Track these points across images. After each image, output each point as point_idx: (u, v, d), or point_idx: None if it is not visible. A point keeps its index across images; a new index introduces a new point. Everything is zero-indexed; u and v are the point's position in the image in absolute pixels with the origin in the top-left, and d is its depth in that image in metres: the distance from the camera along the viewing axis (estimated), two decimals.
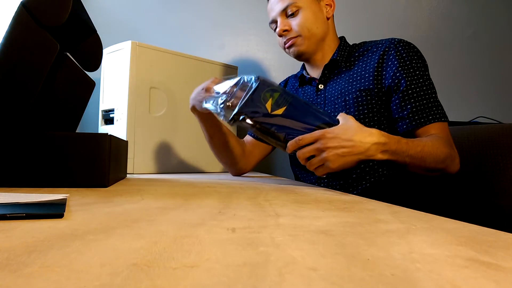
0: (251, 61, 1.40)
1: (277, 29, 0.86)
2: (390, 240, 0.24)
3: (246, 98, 0.62)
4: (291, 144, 0.63)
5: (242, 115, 0.62)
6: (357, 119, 0.76)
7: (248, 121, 0.62)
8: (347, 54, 0.87)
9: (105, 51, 0.98)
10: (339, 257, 0.20)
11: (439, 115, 0.74)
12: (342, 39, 0.91)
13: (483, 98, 1.39)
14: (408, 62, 0.76)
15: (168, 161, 1.00)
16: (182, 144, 1.04)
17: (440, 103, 0.75)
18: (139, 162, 0.93)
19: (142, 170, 0.94)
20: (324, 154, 0.61)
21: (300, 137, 0.63)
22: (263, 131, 0.63)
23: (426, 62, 0.78)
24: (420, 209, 0.39)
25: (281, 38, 0.88)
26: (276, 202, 0.41)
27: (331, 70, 0.87)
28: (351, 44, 0.90)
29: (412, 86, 0.75)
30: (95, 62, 0.69)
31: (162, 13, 1.37)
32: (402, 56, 0.77)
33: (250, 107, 0.62)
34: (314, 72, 0.92)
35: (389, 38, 0.82)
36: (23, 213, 0.27)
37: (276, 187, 0.62)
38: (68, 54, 0.65)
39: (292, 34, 0.85)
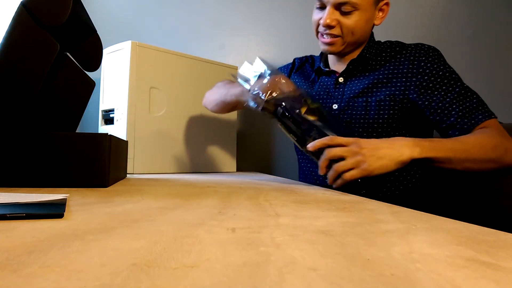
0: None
1: (322, 19, 0.77)
2: (390, 240, 0.24)
3: (292, 94, 0.67)
4: (319, 141, 0.63)
5: (280, 106, 0.67)
6: (375, 123, 0.77)
7: (280, 110, 0.67)
8: (374, 52, 0.82)
9: (105, 51, 0.98)
10: (339, 257, 0.20)
11: (487, 113, 0.71)
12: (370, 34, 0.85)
13: (483, 98, 1.39)
14: (442, 67, 0.75)
15: (168, 161, 1.00)
16: (182, 144, 1.04)
17: (483, 101, 0.73)
18: (139, 162, 0.93)
19: (142, 170, 0.94)
20: (360, 157, 0.60)
21: (332, 136, 0.63)
22: (288, 126, 0.67)
23: None
24: (420, 209, 0.39)
25: (320, 25, 0.79)
26: (276, 202, 0.41)
27: (356, 66, 0.83)
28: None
29: (452, 92, 0.72)
30: (95, 62, 0.69)
31: (162, 13, 1.37)
32: (434, 63, 0.75)
33: (292, 102, 0.66)
34: (337, 64, 0.87)
35: (417, 45, 0.79)
36: (23, 213, 0.27)
37: (276, 187, 0.62)
38: (68, 54, 0.65)
39: (335, 32, 0.78)
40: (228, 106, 0.91)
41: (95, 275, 0.16)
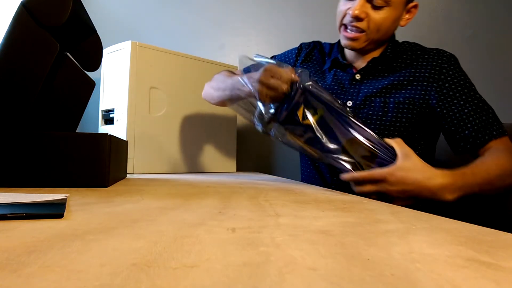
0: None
1: (350, 9, 0.74)
2: (390, 240, 0.24)
3: (284, 111, 0.63)
4: (347, 176, 0.64)
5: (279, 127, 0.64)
6: (392, 125, 0.75)
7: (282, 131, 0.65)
8: (397, 53, 0.81)
9: (105, 51, 0.98)
10: (339, 257, 0.20)
11: (501, 129, 0.71)
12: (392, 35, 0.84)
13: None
14: (462, 77, 0.74)
15: (168, 161, 1.00)
16: (182, 144, 1.04)
17: (497, 116, 0.73)
18: (139, 162, 0.93)
19: (142, 170, 0.94)
20: (388, 194, 0.61)
21: (358, 175, 0.63)
22: (290, 142, 0.65)
23: None
24: (420, 209, 0.39)
25: (346, 16, 0.76)
26: (276, 202, 0.41)
27: (376, 65, 0.81)
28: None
29: (471, 103, 0.72)
30: (95, 62, 0.69)
31: (162, 13, 1.37)
32: (456, 71, 0.75)
33: (288, 121, 0.64)
34: (355, 59, 0.85)
35: (439, 51, 0.79)
36: (23, 213, 0.27)
37: (276, 187, 0.62)
38: (68, 54, 0.65)
39: (361, 26, 0.75)
40: (232, 102, 0.87)
41: (95, 275, 0.16)
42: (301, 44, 0.97)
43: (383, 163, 0.63)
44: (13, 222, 0.26)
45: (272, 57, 0.98)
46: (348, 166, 0.65)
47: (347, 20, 0.76)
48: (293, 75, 0.64)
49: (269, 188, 0.60)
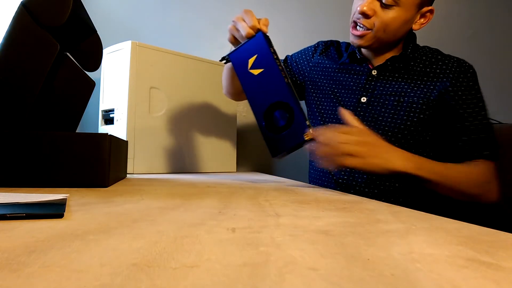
0: None
1: (359, 7, 0.74)
2: (390, 240, 0.24)
3: (237, 53, 0.69)
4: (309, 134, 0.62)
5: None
6: (403, 125, 0.76)
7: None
8: (417, 54, 0.81)
9: (105, 51, 0.98)
10: (339, 257, 0.20)
11: (494, 154, 0.72)
12: (413, 36, 0.83)
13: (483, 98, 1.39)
14: (474, 92, 0.75)
15: (168, 161, 1.00)
16: (182, 144, 1.04)
17: (496, 140, 0.73)
18: (139, 162, 0.93)
19: (142, 170, 0.94)
20: (363, 148, 0.60)
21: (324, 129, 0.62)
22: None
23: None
24: (420, 209, 0.39)
25: (356, 13, 0.76)
26: (276, 202, 0.41)
27: (394, 63, 0.80)
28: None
29: (477, 118, 0.73)
30: (95, 62, 0.69)
31: (162, 13, 1.37)
32: (471, 83, 0.75)
33: (239, 65, 0.67)
34: (373, 57, 0.84)
35: (459, 60, 0.79)
36: (23, 213, 0.27)
37: (276, 187, 0.62)
38: (68, 54, 0.65)
39: (367, 24, 0.75)
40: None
41: (95, 275, 0.16)
42: (318, 42, 0.97)
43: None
44: (13, 222, 0.26)
45: (287, 56, 1.01)
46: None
47: (356, 16, 0.76)
48: (257, 24, 0.67)
49: (269, 188, 0.60)
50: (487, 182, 0.70)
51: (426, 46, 0.84)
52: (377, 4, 0.73)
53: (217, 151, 1.14)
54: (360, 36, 0.77)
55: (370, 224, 0.30)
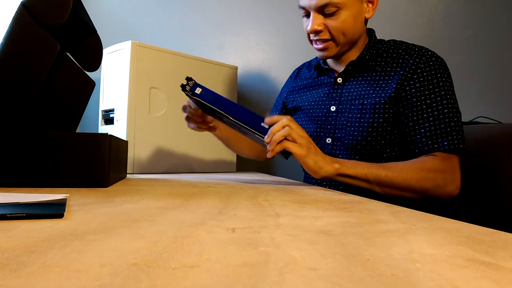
0: (251, 61, 1.40)
1: (309, 26, 0.76)
2: (390, 240, 0.24)
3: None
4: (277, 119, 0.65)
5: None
6: (370, 127, 0.76)
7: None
8: (375, 53, 0.80)
9: (105, 51, 0.98)
10: (339, 257, 0.20)
11: (457, 146, 0.68)
12: (371, 34, 0.83)
13: (483, 98, 1.39)
14: (435, 81, 0.71)
15: (168, 161, 1.00)
16: (182, 144, 1.04)
17: (460, 129, 0.70)
18: (139, 162, 0.93)
19: (142, 170, 0.94)
20: (305, 141, 0.64)
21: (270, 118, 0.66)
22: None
23: (452, 81, 0.74)
24: (420, 209, 0.39)
25: (309, 35, 0.79)
26: (276, 202, 0.41)
27: (355, 67, 0.80)
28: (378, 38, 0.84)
29: (434, 109, 0.70)
30: (95, 62, 0.69)
31: (162, 13, 1.37)
32: (431, 73, 0.72)
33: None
34: (336, 65, 0.85)
35: (421, 49, 0.76)
36: (23, 213, 0.27)
37: (276, 187, 0.62)
38: (68, 54, 0.65)
39: (324, 36, 0.76)
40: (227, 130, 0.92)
41: (95, 275, 0.16)
42: (293, 70, 1.03)
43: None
44: (13, 222, 0.26)
45: (277, 100, 1.07)
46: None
47: (311, 36, 0.78)
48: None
49: (269, 188, 0.60)
50: (440, 173, 0.67)
51: (392, 40, 0.82)
52: (321, 17, 0.75)
53: (217, 151, 1.14)
54: (324, 49, 0.78)
55: (370, 224, 0.30)
